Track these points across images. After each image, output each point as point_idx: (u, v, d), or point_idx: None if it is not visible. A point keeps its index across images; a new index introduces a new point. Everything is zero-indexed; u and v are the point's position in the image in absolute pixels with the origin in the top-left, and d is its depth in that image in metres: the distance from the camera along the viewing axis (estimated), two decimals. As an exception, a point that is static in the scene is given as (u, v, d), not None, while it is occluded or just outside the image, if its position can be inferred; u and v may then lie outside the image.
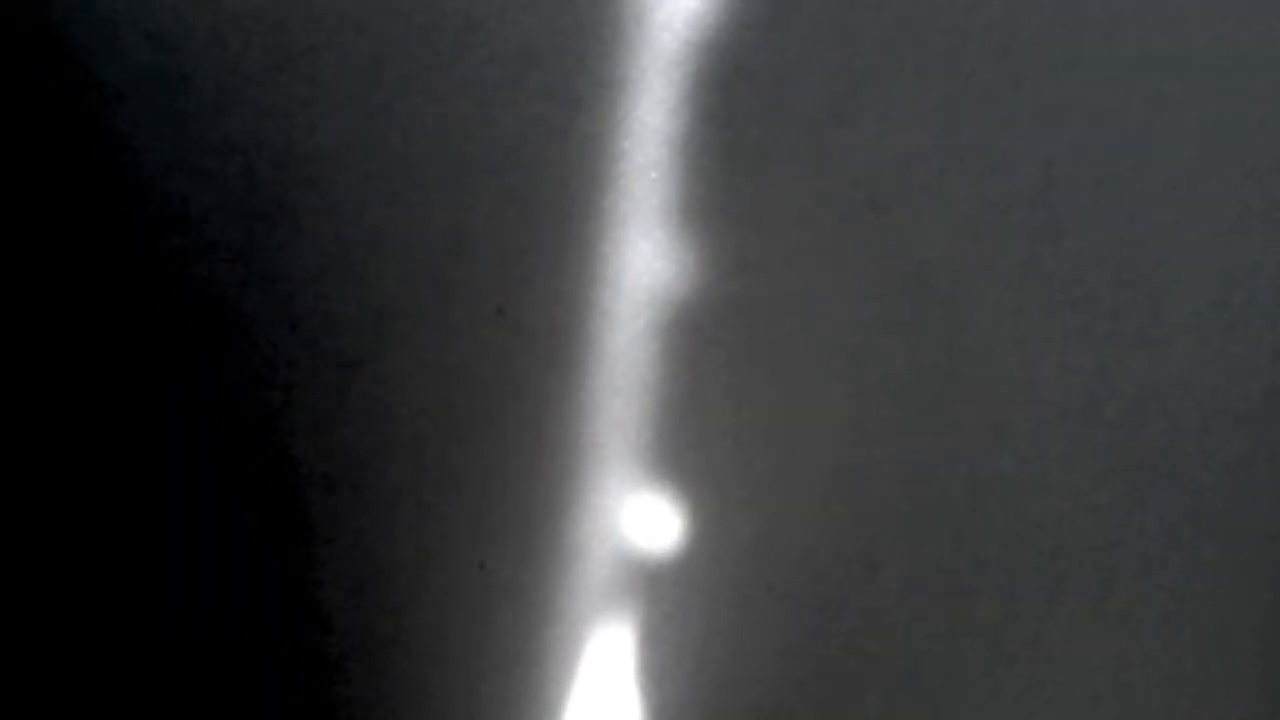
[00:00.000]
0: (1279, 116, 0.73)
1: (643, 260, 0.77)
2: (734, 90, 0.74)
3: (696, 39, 0.75)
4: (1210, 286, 0.75)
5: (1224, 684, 0.79)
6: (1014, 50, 0.73)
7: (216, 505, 0.84)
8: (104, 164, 0.81)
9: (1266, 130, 0.73)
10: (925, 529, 0.79)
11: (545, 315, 0.78)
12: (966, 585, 0.79)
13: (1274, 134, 0.73)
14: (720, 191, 0.76)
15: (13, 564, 0.87)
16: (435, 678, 0.84)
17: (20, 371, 0.85)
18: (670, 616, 0.81)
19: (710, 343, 0.78)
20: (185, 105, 0.79)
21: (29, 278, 0.84)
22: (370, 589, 0.83)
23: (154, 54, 0.79)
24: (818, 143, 0.75)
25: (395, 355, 0.79)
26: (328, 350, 0.80)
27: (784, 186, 0.76)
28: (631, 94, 0.75)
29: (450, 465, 0.81)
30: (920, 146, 0.75)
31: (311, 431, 0.82)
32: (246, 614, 0.85)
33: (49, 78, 0.80)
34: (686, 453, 0.79)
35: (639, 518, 0.80)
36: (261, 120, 0.78)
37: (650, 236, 0.76)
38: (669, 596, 0.81)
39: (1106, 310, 0.75)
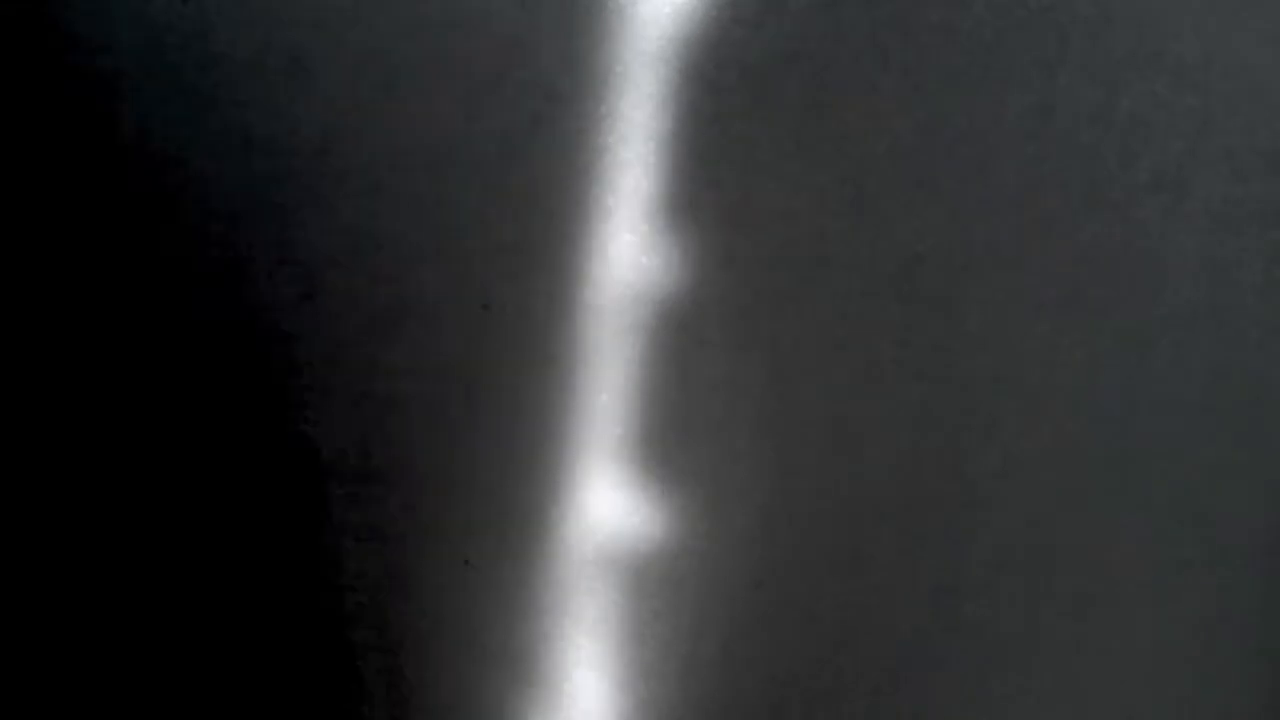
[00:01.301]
0: (1268, 113, 0.73)
1: (628, 256, 0.77)
2: (720, 86, 0.74)
3: (682, 34, 0.74)
4: (1199, 283, 0.75)
5: (1212, 682, 0.79)
6: (1002, 47, 0.73)
7: (199, 505, 0.84)
8: (86, 159, 0.81)
9: (1256, 127, 0.72)
10: (914, 526, 0.79)
11: (531, 311, 0.78)
12: (955, 582, 0.79)
13: (1263, 130, 0.73)
14: (706, 187, 0.75)
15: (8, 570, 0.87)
16: (420, 674, 0.84)
17: (15, 367, 0.85)
18: (658, 613, 0.81)
19: (697, 339, 0.77)
20: (169, 101, 0.79)
21: (21, 272, 0.84)
22: (354, 585, 0.83)
23: (139, 49, 0.79)
24: (804, 139, 0.74)
25: (380, 351, 0.79)
26: (311, 345, 0.80)
27: (770, 182, 0.75)
28: (617, 89, 0.75)
29: (435, 461, 0.80)
30: (908, 143, 0.74)
31: (295, 427, 0.81)
32: (230, 613, 0.85)
33: (35, 73, 0.80)
34: (673, 449, 0.79)
35: (626, 514, 0.80)
36: (246, 116, 0.78)
37: (636, 232, 0.76)
38: (656, 593, 0.80)
39: (1095, 307, 0.75)
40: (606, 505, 0.80)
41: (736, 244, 0.76)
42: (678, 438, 0.78)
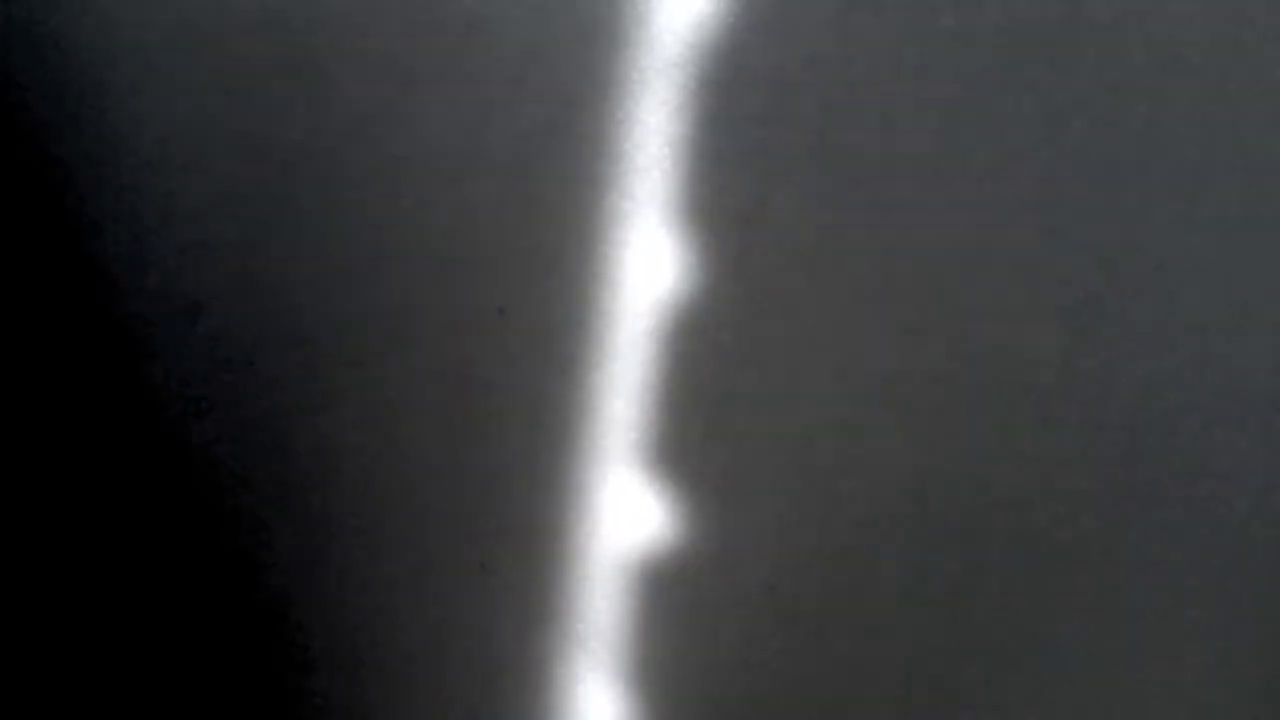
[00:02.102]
0: (1283, 119, 0.73)
1: (644, 260, 0.77)
2: (735, 92, 0.74)
3: (698, 41, 0.74)
4: (1214, 288, 0.75)
5: (1226, 688, 0.79)
6: (1015, 51, 0.73)
7: (217, 504, 0.84)
8: (106, 163, 0.81)
9: (1271, 130, 0.72)
10: (926, 530, 0.79)
11: (547, 315, 0.78)
12: (967, 586, 0.79)
13: (1278, 139, 0.72)
14: (721, 193, 0.76)
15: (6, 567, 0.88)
16: (435, 677, 0.84)
17: (12, 369, 0.86)
18: (671, 616, 0.81)
19: (711, 343, 0.78)
20: (186, 105, 0.79)
21: (24, 273, 0.84)
22: (371, 588, 0.83)
23: (157, 53, 0.79)
24: (819, 144, 0.75)
25: (396, 355, 0.80)
26: (328, 350, 0.80)
27: (785, 188, 0.75)
28: (633, 95, 0.75)
29: (451, 465, 0.81)
30: (922, 148, 0.74)
31: (312, 431, 0.82)
32: (245, 613, 0.85)
33: (51, 76, 0.81)
34: (687, 453, 0.79)
35: (639, 518, 0.80)
36: (263, 120, 0.78)
37: (651, 237, 0.76)
38: (669, 596, 0.81)
39: (1109, 312, 0.75)
40: (621, 509, 0.80)
41: (751, 249, 0.76)
42: (692, 441, 0.78)
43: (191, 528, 0.85)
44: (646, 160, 0.76)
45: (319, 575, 0.84)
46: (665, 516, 0.79)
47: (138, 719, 0.88)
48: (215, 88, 0.79)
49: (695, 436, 0.78)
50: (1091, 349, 0.76)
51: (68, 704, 0.89)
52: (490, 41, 0.76)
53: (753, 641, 0.81)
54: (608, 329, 0.77)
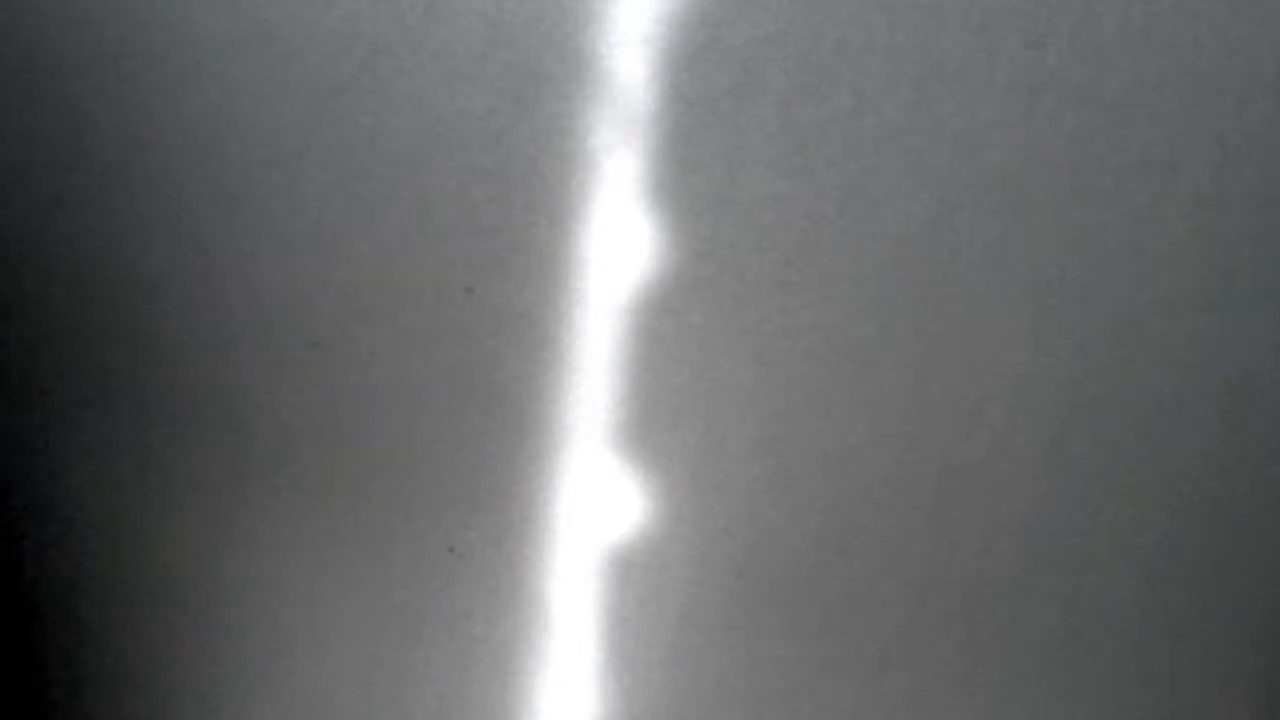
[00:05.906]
0: (1257, 94, 0.72)
1: (613, 239, 0.76)
2: (705, 68, 0.73)
3: (667, 15, 0.74)
4: (1187, 265, 0.74)
5: (1196, 671, 0.79)
6: (989, 28, 0.72)
7: (187, 486, 0.83)
8: (66, 141, 0.80)
9: (1243, 111, 0.72)
10: (898, 513, 0.78)
11: (514, 294, 0.77)
12: (939, 569, 0.79)
13: (1251, 111, 0.72)
14: (691, 170, 0.75)
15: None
16: (405, 660, 0.83)
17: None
18: (642, 600, 0.80)
19: (681, 322, 0.77)
20: (147, 82, 0.78)
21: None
22: (339, 571, 0.82)
23: (116, 29, 0.78)
24: (790, 121, 0.74)
25: (364, 334, 0.79)
26: (295, 329, 0.79)
27: (756, 165, 0.75)
28: (602, 71, 0.74)
29: (419, 446, 0.80)
30: (894, 125, 0.74)
31: (279, 411, 0.81)
32: (207, 596, 0.84)
33: (6, 53, 0.79)
34: (658, 435, 0.78)
35: (610, 500, 0.79)
36: (226, 97, 0.77)
37: (621, 215, 0.76)
38: (640, 580, 0.80)
39: (1082, 292, 0.75)
40: (591, 491, 0.79)
41: (721, 227, 0.75)
42: (662, 423, 0.78)
43: (149, 515, 0.84)
44: (615, 137, 0.75)
45: (282, 558, 0.83)
46: (636, 499, 0.79)
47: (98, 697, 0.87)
48: (177, 64, 0.78)
49: (666, 418, 0.78)
50: (1065, 327, 0.75)
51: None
52: (455, 17, 0.75)
53: (723, 624, 0.80)
54: (577, 309, 0.77)
